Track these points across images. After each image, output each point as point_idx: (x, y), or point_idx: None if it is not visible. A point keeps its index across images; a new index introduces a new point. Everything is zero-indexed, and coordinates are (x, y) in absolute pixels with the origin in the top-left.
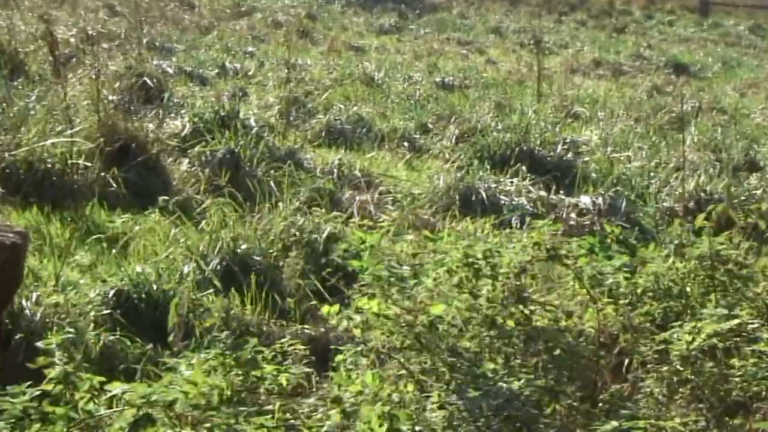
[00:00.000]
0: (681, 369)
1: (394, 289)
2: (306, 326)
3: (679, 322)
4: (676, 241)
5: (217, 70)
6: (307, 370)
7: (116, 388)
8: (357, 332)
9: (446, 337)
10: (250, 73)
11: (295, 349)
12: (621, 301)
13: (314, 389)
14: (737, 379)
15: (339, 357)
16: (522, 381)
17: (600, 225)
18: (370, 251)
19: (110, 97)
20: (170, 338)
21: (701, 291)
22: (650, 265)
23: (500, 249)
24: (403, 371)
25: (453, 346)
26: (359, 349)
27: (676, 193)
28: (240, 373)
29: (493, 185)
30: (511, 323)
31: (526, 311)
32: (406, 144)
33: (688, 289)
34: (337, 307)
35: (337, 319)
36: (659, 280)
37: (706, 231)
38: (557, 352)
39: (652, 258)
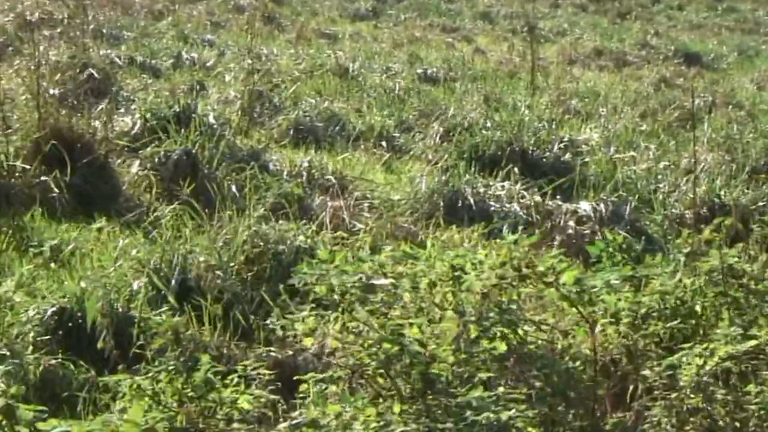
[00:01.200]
0: (691, 396)
1: (364, 307)
2: (272, 349)
3: (689, 344)
4: (685, 253)
5: (171, 61)
6: (273, 397)
7: (53, 427)
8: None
9: (420, 364)
10: (208, 64)
11: (259, 373)
12: (623, 321)
13: (281, 419)
14: (754, 407)
15: (303, 386)
16: (512, 411)
17: (602, 234)
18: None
19: (51, 91)
20: (120, 366)
21: (713, 309)
22: (656, 281)
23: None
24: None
25: (427, 373)
26: (326, 375)
27: (687, 198)
28: (194, 397)
29: (482, 190)
30: (500, 346)
31: (520, 332)
32: (384, 143)
33: (698, 307)
34: (310, 322)
35: (301, 327)
36: (666, 298)
37: (716, 243)
38: (552, 377)
39: (658, 273)
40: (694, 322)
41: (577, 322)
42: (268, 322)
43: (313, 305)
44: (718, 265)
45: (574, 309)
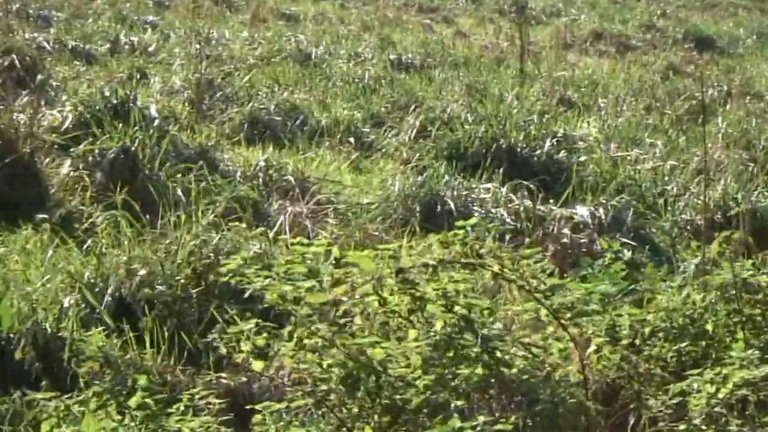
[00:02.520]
0: (702, 428)
1: (323, 320)
2: (222, 374)
3: (699, 369)
4: (695, 265)
5: (108, 46)
6: (226, 430)
7: None
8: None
9: (386, 387)
10: (150, 50)
11: (208, 402)
12: (623, 341)
13: None
14: None
15: (257, 417)
16: None
17: (601, 243)
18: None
19: None
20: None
21: (726, 328)
22: (661, 296)
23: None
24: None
25: (397, 399)
26: (282, 405)
27: (698, 202)
28: (131, 426)
29: (464, 193)
30: (478, 370)
31: (498, 354)
32: (351, 140)
33: (709, 326)
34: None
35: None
36: (672, 315)
37: (728, 254)
38: (539, 405)
39: (664, 287)
40: (704, 343)
41: (558, 338)
42: (209, 339)
43: (260, 320)
44: (731, 279)
45: (565, 325)
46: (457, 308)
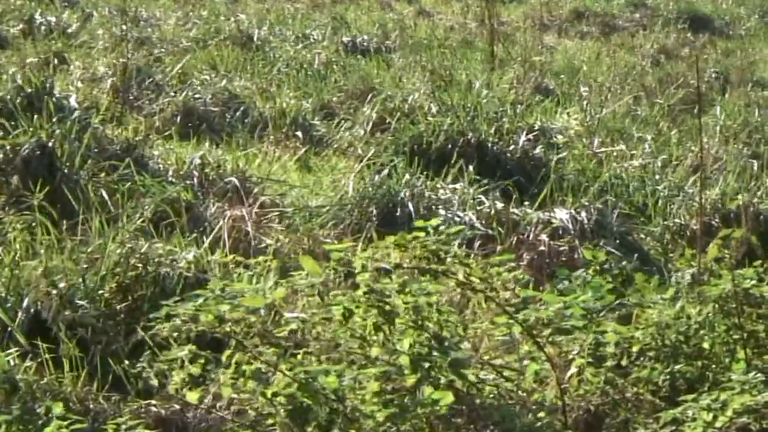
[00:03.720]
0: None
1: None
2: (152, 402)
3: (694, 394)
4: (690, 274)
5: (21, 27)
6: None
7: None
8: None
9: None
10: (70, 31)
11: None
12: (607, 361)
13: None
14: None
15: None
16: None
17: (583, 251)
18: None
19: None
20: None
21: (725, 347)
22: (651, 310)
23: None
24: None
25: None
26: None
27: (693, 204)
28: None
29: (427, 194)
30: (445, 396)
31: (471, 377)
32: (299, 134)
33: (706, 344)
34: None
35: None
36: (664, 333)
37: (726, 262)
38: None
39: (655, 300)
40: (700, 364)
41: (533, 359)
42: (137, 369)
43: (196, 342)
44: (731, 290)
45: (541, 344)
46: (428, 324)
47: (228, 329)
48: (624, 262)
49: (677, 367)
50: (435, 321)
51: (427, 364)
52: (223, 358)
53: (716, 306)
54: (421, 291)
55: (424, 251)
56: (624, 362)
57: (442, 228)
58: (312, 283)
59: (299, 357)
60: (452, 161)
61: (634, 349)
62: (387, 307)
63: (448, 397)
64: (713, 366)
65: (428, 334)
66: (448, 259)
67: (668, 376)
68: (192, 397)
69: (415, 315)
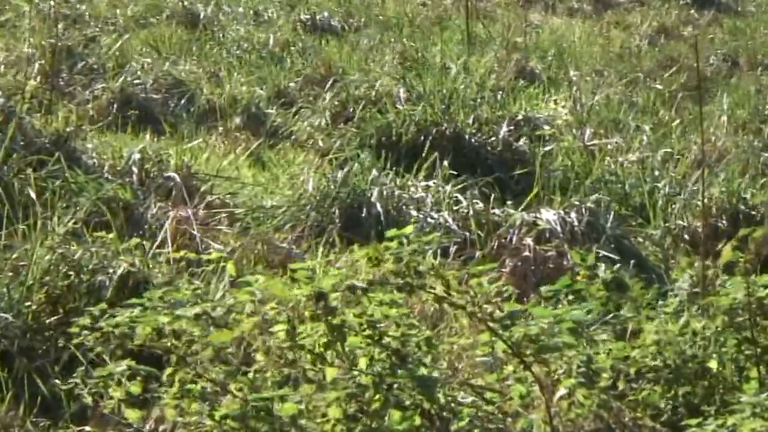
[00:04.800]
0: None
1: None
2: (87, 428)
3: (700, 418)
4: (694, 283)
5: None
6: None
7: None
8: None
9: None
10: None
11: None
12: (601, 382)
13: None
14: None
15: None
16: None
17: (573, 257)
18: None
19: None
20: None
21: (735, 365)
22: (650, 325)
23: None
24: None
25: None
26: None
27: (697, 203)
28: None
29: (397, 193)
30: (413, 418)
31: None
32: (252, 124)
33: (713, 362)
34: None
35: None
36: (665, 350)
37: (740, 268)
38: None
39: (654, 314)
40: (706, 384)
41: (519, 379)
42: (69, 386)
43: (135, 358)
44: (742, 301)
45: (527, 363)
46: (387, 340)
47: (168, 343)
48: (619, 269)
49: (681, 388)
50: (395, 336)
51: (389, 382)
52: (164, 377)
53: (725, 318)
54: (377, 302)
55: (397, 264)
56: (620, 384)
57: (415, 237)
58: (282, 312)
59: (250, 375)
60: (425, 155)
61: (631, 369)
62: (335, 321)
63: (417, 420)
64: (721, 387)
65: (388, 350)
66: (423, 270)
67: (670, 399)
68: (131, 416)
69: (371, 330)
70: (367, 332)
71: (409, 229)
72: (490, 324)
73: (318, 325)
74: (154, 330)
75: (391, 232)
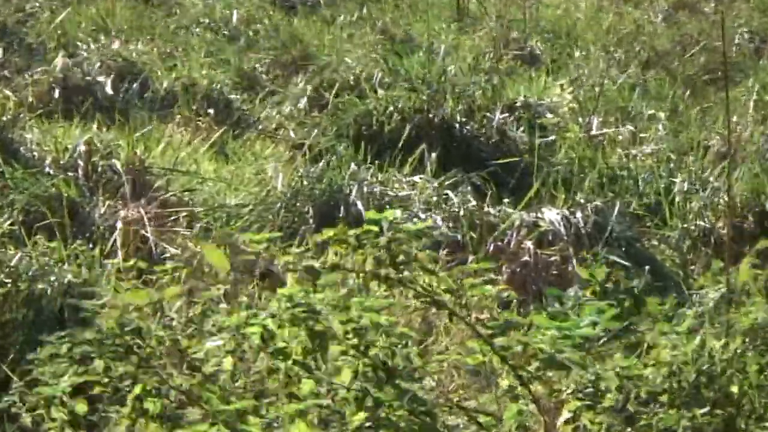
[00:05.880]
0: None
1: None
2: None
3: None
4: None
5: None
6: None
7: None
8: None
9: None
10: None
11: None
12: (605, 403)
13: None
14: None
15: None
16: None
17: (579, 262)
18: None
19: None
20: None
21: (759, 390)
22: (665, 342)
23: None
24: None
25: None
26: None
27: (720, 202)
28: None
29: (379, 189)
30: None
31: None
32: (213, 112)
33: (734, 387)
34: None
35: None
36: (681, 371)
37: (761, 282)
38: None
39: (668, 330)
40: (727, 412)
41: (515, 398)
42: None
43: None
44: (765, 319)
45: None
46: (374, 351)
47: (129, 341)
48: (633, 278)
49: (698, 413)
50: (383, 346)
51: (374, 398)
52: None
53: (746, 339)
54: (365, 308)
55: (376, 251)
56: (630, 407)
57: (399, 224)
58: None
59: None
60: (410, 147)
61: (643, 391)
62: (318, 327)
63: None
64: (744, 414)
65: (375, 363)
66: (403, 263)
67: (687, 426)
68: None
69: (357, 339)
70: (353, 341)
71: (390, 213)
72: (484, 334)
73: (296, 331)
74: (117, 325)
75: (370, 215)
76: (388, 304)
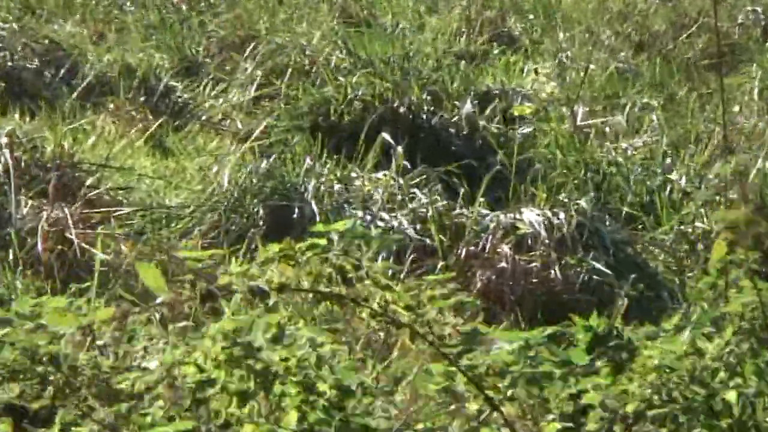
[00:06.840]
0: None
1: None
2: None
3: None
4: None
5: None
6: None
7: None
8: None
9: None
10: None
11: None
12: (589, 425)
13: None
14: None
15: None
16: None
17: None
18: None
19: None
20: None
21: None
22: (650, 349)
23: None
24: None
25: None
26: None
27: (719, 201)
28: None
29: (337, 187)
30: None
31: None
32: (151, 101)
33: (730, 395)
34: None
35: None
36: (668, 379)
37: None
38: None
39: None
40: (725, 424)
41: (485, 424)
42: None
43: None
44: (752, 302)
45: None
46: (322, 387)
47: (43, 370)
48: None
49: (693, 429)
50: (331, 384)
51: None
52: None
53: (736, 330)
54: (306, 340)
55: (323, 266)
56: (616, 429)
57: (352, 233)
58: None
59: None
60: (373, 140)
61: (629, 407)
62: (258, 366)
63: None
64: (745, 424)
65: (323, 401)
66: (358, 276)
67: None
68: None
69: (301, 376)
70: (297, 378)
71: (341, 224)
72: (448, 352)
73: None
74: (26, 350)
75: (318, 227)
76: (335, 330)
